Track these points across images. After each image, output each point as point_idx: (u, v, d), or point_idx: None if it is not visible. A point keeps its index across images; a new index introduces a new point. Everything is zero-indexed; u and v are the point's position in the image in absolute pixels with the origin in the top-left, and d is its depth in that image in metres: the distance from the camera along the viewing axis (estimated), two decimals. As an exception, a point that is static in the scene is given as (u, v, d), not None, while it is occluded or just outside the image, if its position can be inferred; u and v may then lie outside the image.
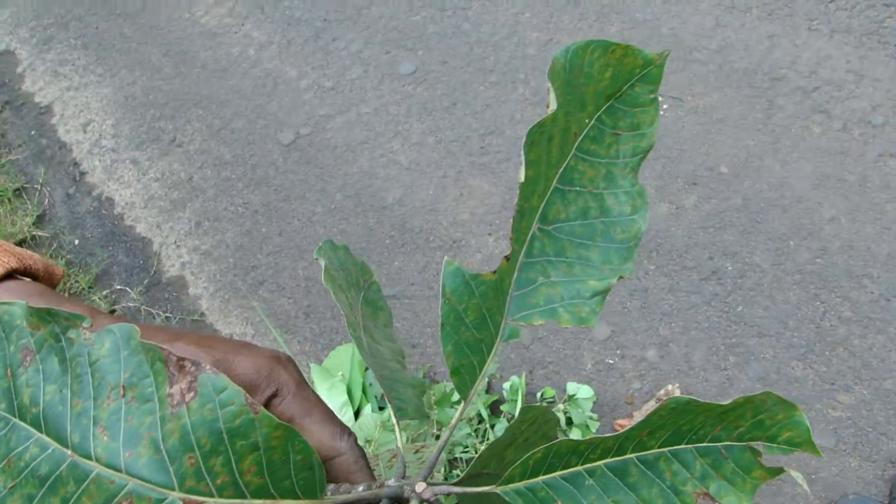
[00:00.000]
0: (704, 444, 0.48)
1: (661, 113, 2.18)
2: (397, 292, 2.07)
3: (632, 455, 0.48)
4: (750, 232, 1.98)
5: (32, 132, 2.78)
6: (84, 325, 0.42)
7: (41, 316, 0.42)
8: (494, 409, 1.85)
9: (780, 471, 0.50)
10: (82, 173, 2.62)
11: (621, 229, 0.53)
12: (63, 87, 2.85)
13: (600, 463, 0.48)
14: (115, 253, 2.39)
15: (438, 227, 2.14)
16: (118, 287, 2.33)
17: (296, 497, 0.45)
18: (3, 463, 0.41)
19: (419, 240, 2.13)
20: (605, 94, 0.52)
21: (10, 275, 0.58)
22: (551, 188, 0.52)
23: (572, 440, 0.47)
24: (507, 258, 0.51)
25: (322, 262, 0.59)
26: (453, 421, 0.53)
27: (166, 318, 2.17)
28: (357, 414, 1.84)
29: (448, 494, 0.52)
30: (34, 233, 2.51)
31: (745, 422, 0.47)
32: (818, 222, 1.97)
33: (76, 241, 2.47)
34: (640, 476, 0.49)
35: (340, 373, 1.96)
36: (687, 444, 0.48)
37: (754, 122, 2.14)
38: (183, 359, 0.41)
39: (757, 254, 1.95)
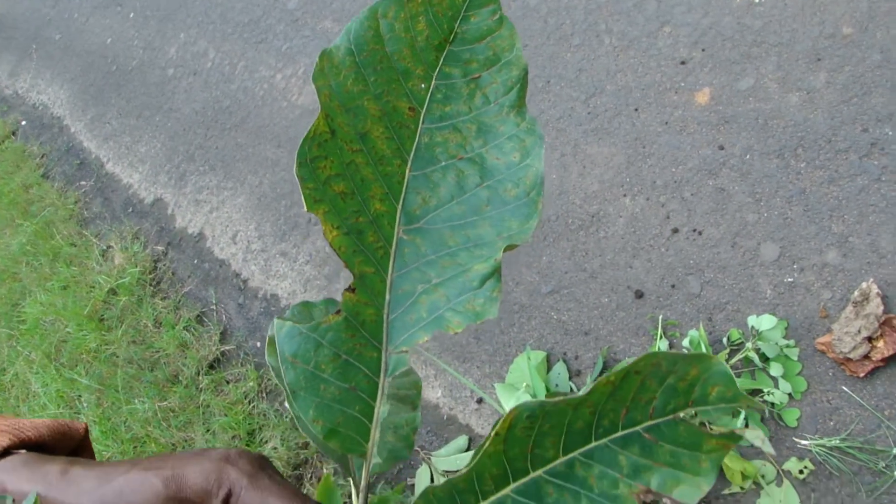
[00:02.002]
0: (620, 434, 0.39)
1: (758, 2, 1.98)
2: (554, 286, 1.99)
3: (538, 472, 0.40)
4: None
5: (195, 261, 2.96)
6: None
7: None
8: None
9: (736, 436, 0.40)
10: (244, 281, 2.74)
11: (512, 184, 0.44)
12: (206, 212, 3.02)
13: (506, 491, 0.41)
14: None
15: (573, 208, 2.04)
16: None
17: None
18: None
19: (559, 227, 2.05)
20: (432, 47, 0.44)
21: (7, 451, 0.59)
22: (405, 181, 0.44)
23: (439, 485, 0.41)
24: (349, 289, 0.44)
25: (269, 335, 0.55)
26: (362, 482, 0.47)
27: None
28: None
29: None
30: (222, 349, 2.65)
31: (652, 394, 0.38)
32: (975, 46, 1.70)
33: (258, 344, 2.59)
34: (559, 492, 0.40)
35: (524, 383, 1.91)
36: (598, 439, 0.40)
37: (864, -31, 1.90)
38: None
39: (916, 107, 1.72)
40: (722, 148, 1.88)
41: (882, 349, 1.52)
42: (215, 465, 0.51)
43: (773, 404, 1.61)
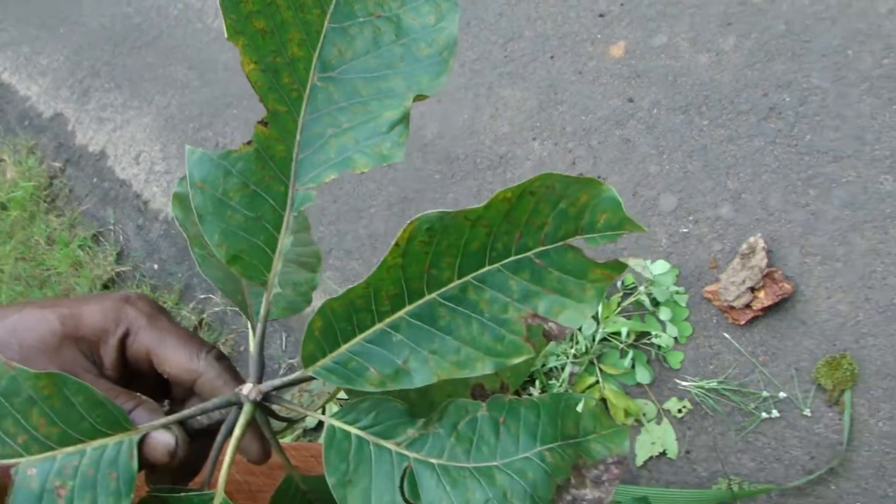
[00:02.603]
0: (512, 259, 0.42)
1: (677, -37, 2.04)
2: (457, 224, 2.02)
3: (432, 295, 0.42)
4: (801, 54, 1.83)
5: (94, 180, 2.87)
6: None
7: None
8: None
9: (621, 265, 0.43)
10: (145, 202, 2.68)
11: (426, 44, 0.45)
12: (109, 130, 2.93)
13: (401, 314, 0.43)
14: (191, 266, 2.45)
15: (482, 148, 2.07)
16: (202, 296, 2.38)
17: (105, 435, 0.43)
18: None
19: (466, 166, 2.08)
20: None
21: None
22: (323, 31, 0.45)
23: (337, 298, 0.42)
24: (262, 123, 0.45)
25: (174, 191, 0.56)
26: (262, 310, 0.49)
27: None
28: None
29: (275, 390, 0.48)
30: (117, 270, 2.59)
31: (545, 218, 0.40)
32: (875, 21, 1.79)
33: (155, 266, 2.54)
34: (452, 315, 0.43)
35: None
36: (491, 263, 0.42)
37: (778, -59, 1.97)
38: None
39: (814, 75, 1.80)
40: (631, 100, 1.94)
41: (763, 299, 1.61)
42: (114, 305, 0.51)
43: (659, 347, 1.69)
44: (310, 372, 0.45)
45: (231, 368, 0.51)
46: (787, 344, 1.63)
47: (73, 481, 0.42)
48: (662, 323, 1.70)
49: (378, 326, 0.43)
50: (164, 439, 0.46)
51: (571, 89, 2.02)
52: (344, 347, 0.44)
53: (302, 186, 0.46)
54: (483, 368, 0.43)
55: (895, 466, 1.53)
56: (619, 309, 1.71)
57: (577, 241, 0.42)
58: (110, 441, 0.43)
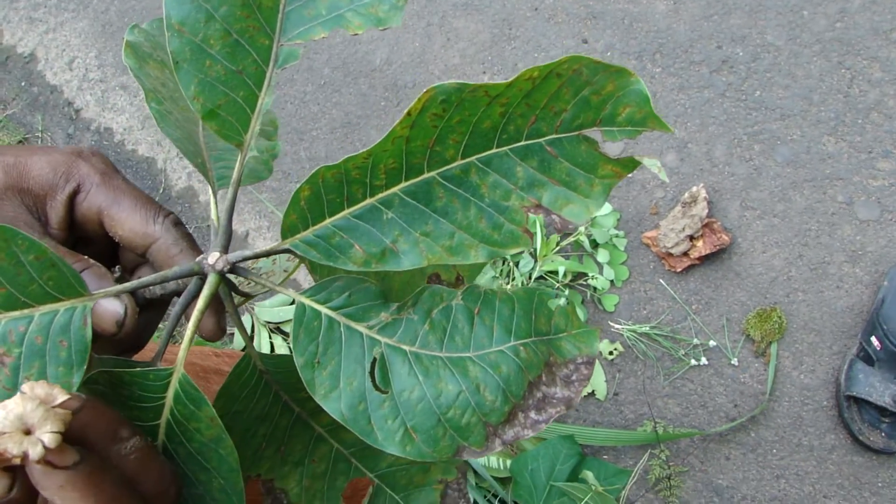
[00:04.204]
0: (523, 143, 0.39)
1: None
2: (401, 154, 1.99)
3: (431, 173, 0.39)
4: (758, 10, 1.83)
5: (22, 83, 2.74)
6: None
7: None
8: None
9: (633, 162, 0.40)
10: (77, 111, 2.57)
11: None
12: (41, 32, 2.79)
13: (395, 189, 0.40)
14: (121, 180, 2.37)
15: (431, 78, 2.03)
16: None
17: (55, 300, 0.38)
18: None
19: (413, 94, 2.03)
20: None
21: None
22: None
23: (332, 165, 0.39)
24: None
25: (126, 39, 0.51)
26: (234, 174, 0.45)
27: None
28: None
29: (243, 260, 0.45)
30: (42, 178, 2.49)
31: (565, 104, 0.37)
32: (830, -16, 1.80)
33: (83, 177, 2.45)
34: (450, 197, 0.40)
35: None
36: (499, 146, 0.39)
37: None
38: None
39: (768, 32, 1.81)
40: (585, 42, 1.92)
41: (700, 248, 1.63)
42: (65, 158, 0.47)
43: (595, 288, 1.69)
44: (287, 244, 0.42)
45: (188, 236, 0.48)
46: (721, 294, 1.66)
47: (20, 349, 0.38)
48: (600, 265, 1.70)
49: (368, 201, 0.40)
50: (112, 307, 0.42)
51: (526, 25, 1.99)
52: (328, 220, 0.41)
53: (287, 42, 0.43)
54: (476, 257, 0.40)
55: (811, 417, 1.57)
56: (558, 248, 1.71)
57: (593, 132, 0.39)
58: (61, 307, 0.39)
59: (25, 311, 0.38)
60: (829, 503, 1.54)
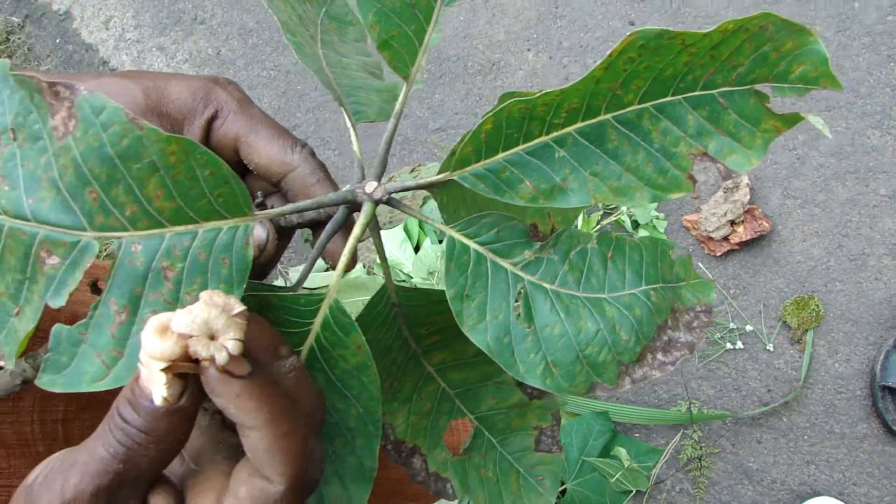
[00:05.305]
0: (697, 93, 0.40)
1: None
2: (442, 124, 2.00)
3: (607, 115, 0.40)
4: (808, 1, 1.83)
5: (57, 40, 2.74)
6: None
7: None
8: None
9: (796, 117, 0.41)
10: (112, 70, 2.57)
11: None
12: (78, -11, 2.79)
13: (570, 129, 0.40)
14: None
15: (475, 52, 2.03)
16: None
17: (221, 217, 0.39)
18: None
19: (457, 68, 2.04)
20: None
21: None
22: None
23: (523, 99, 0.40)
24: None
25: None
26: (397, 105, 0.46)
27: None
28: (417, 249, 1.80)
29: (401, 191, 0.46)
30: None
31: (744, 58, 0.38)
32: (882, -23, 1.80)
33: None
34: (621, 140, 0.41)
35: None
36: (675, 95, 0.40)
37: None
38: (55, 83, 0.35)
39: (818, 23, 1.81)
40: (632, 23, 1.92)
41: (741, 234, 1.63)
42: (203, 84, 0.47)
43: (632, 269, 1.70)
44: (455, 175, 0.42)
45: (324, 167, 0.48)
46: (759, 280, 1.66)
47: (183, 263, 0.38)
48: (639, 246, 1.71)
49: (543, 139, 0.41)
50: (256, 232, 0.43)
51: (573, 4, 1.99)
52: (501, 155, 0.42)
53: None
54: (640, 199, 0.41)
55: (844, 405, 1.59)
56: (599, 227, 1.72)
57: (763, 87, 0.40)
58: (224, 224, 0.39)
59: (190, 227, 0.38)
60: (859, 490, 1.56)
